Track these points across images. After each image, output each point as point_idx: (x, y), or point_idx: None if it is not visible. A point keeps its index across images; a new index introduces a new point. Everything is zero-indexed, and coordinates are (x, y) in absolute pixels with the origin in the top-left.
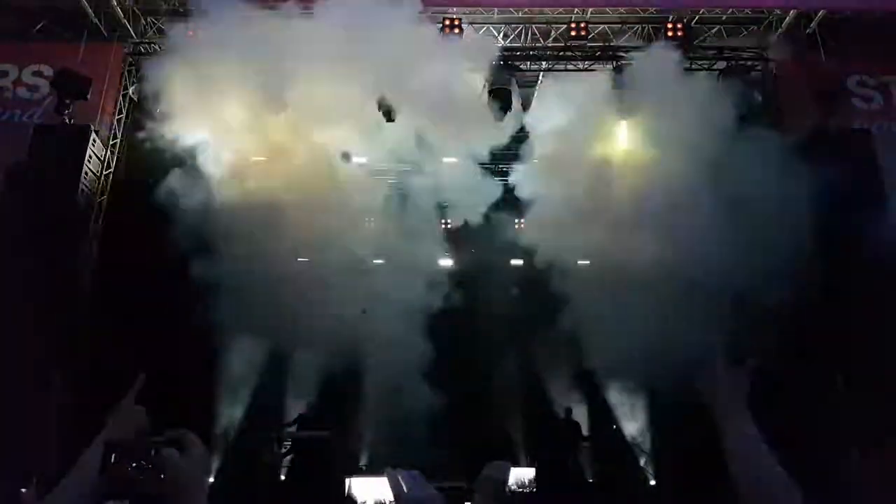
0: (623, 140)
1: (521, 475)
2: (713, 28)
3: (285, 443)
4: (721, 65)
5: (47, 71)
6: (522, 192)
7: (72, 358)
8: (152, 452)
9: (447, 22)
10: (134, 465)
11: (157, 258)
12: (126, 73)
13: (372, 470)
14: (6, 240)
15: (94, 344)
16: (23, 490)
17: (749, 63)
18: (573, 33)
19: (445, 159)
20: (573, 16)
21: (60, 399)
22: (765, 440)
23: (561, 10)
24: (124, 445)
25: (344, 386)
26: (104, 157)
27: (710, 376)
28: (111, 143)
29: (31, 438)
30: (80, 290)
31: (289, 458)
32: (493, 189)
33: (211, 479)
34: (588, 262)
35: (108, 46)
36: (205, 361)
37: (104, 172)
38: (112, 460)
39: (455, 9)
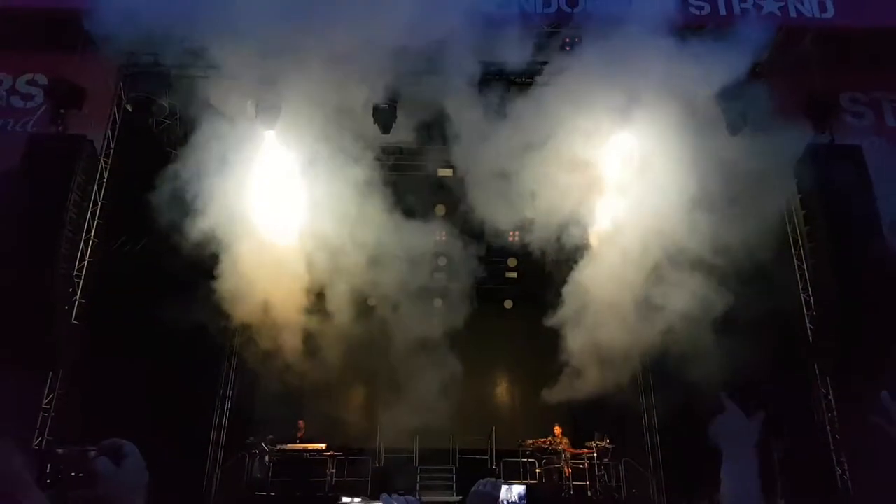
0: (622, 152)
1: (511, 491)
2: None
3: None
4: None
5: (42, 80)
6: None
7: (59, 366)
8: (87, 462)
9: None
10: (71, 474)
11: (150, 266)
12: (121, 84)
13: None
14: None
15: (85, 352)
16: None
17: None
18: (567, 48)
19: (440, 171)
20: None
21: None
22: (760, 485)
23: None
24: (60, 456)
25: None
26: (98, 167)
27: (722, 423)
28: (105, 152)
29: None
30: (71, 298)
31: (283, 476)
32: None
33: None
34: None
35: (103, 56)
36: (198, 371)
37: (97, 182)
38: (48, 469)
39: None
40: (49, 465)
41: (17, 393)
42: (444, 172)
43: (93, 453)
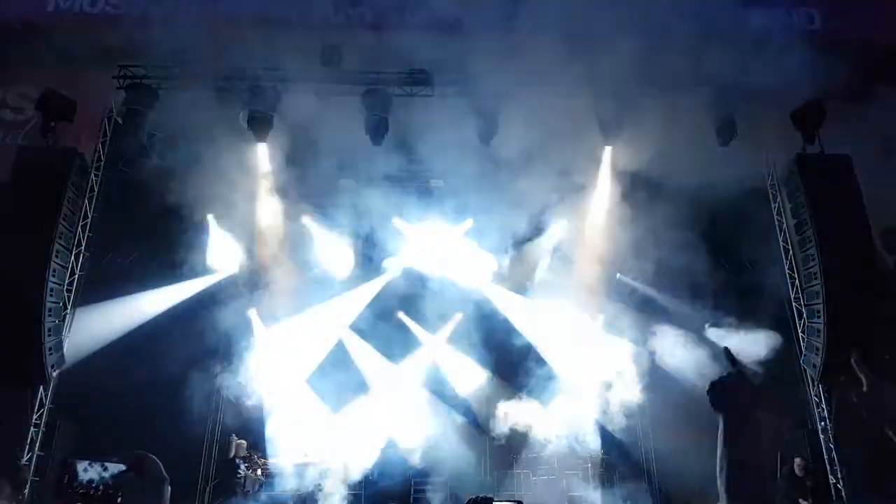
0: (608, 167)
1: None
2: None
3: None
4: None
5: (32, 92)
6: None
7: (49, 380)
8: (110, 475)
9: None
10: (92, 486)
11: (141, 276)
12: (112, 97)
13: None
14: None
15: (75, 366)
16: None
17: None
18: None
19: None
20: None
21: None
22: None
23: None
24: (81, 469)
25: None
26: (89, 180)
27: (726, 389)
28: (95, 165)
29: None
30: (62, 313)
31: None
32: None
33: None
34: None
35: (94, 69)
36: (189, 384)
37: (88, 195)
38: (66, 480)
39: None
40: (67, 477)
41: (7, 408)
42: (437, 184)
43: (114, 466)
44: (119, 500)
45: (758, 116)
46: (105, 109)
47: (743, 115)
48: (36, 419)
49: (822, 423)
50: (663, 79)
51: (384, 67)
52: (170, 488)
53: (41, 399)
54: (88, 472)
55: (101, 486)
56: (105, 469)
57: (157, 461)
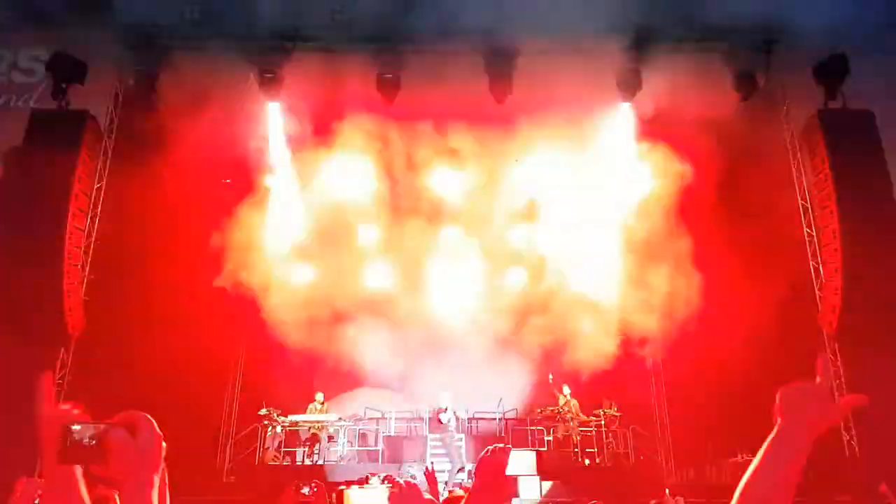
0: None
1: (521, 458)
2: None
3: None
4: (723, 46)
5: (43, 55)
6: None
7: (71, 340)
8: (100, 435)
9: None
10: (83, 444)
11: (155, 245)
12: (123, 57)
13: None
14: (4, 226)
15: (95, 327)
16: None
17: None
18: None
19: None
20: None
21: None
22: None
23: None
24: (72, 425)
25: None
26: (102, 142)
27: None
28: (108, 127)
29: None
30: (80, 275)
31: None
32: None
33: None
34: None
35: (104, 29)
36: (210, 343)
37: (101, 157)
38: (67, 442)
39: None
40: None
41: (31, 367)
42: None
43: (105, 426)
44: (111, 461)
45: (780, 70)
46: (117, 71)
47: (764, 69)
48: (58, 378)
49: (837, 381)
50: (682, 31)
51: (396, 21)
52: (164, 447)
53: (63, 359)
54: (81, 432)
55: (90, 446)
56: (97, 429)
57: (151, 420)
